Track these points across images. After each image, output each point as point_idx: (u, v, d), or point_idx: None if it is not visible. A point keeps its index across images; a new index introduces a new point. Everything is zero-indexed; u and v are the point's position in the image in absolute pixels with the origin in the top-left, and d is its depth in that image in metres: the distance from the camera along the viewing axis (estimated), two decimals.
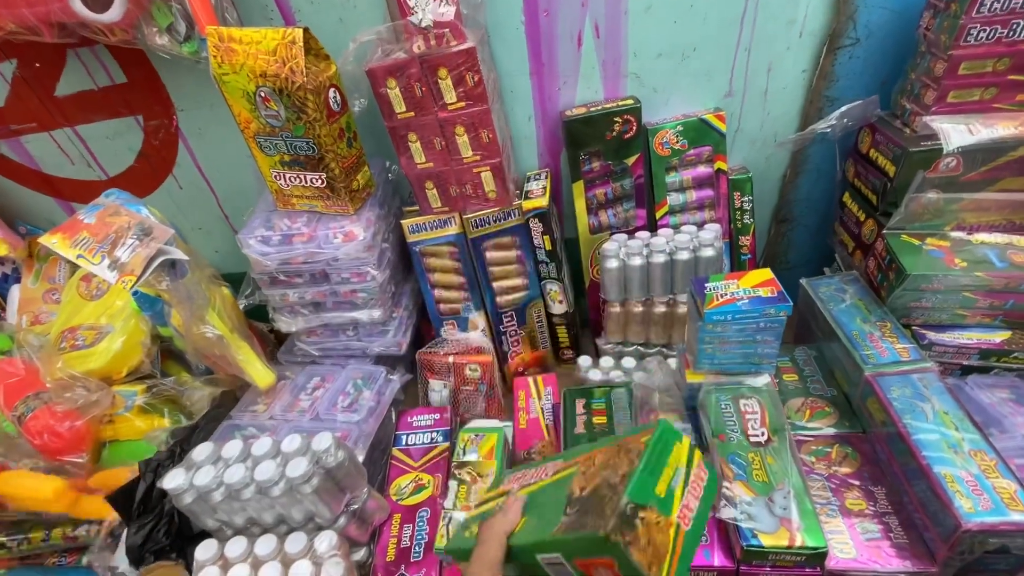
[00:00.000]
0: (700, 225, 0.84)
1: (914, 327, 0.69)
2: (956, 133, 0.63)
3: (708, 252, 0.78)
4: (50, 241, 0.61)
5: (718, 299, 0.62)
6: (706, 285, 0.64)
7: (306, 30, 0.59)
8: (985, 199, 0.66)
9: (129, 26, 0.62)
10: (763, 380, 0.63)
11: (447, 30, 0.65)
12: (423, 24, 0.63)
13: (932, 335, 0.68)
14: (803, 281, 0.77)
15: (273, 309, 0.81)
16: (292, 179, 0.71)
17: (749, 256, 0.86)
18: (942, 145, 0.63)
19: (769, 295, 0.61)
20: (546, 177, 0.85)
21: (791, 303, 0.59)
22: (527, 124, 0.83)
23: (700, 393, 0.66)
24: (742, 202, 0.83)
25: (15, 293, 0.98)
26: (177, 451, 0.67)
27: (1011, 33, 0.59)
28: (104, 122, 0.84)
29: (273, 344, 0.97)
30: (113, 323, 0.87)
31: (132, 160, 0.89)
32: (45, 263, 0.98)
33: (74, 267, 1.00)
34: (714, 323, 0.62)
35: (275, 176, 0.72)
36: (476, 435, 0.74)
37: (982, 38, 0.60)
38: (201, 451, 0.59)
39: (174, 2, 0.63)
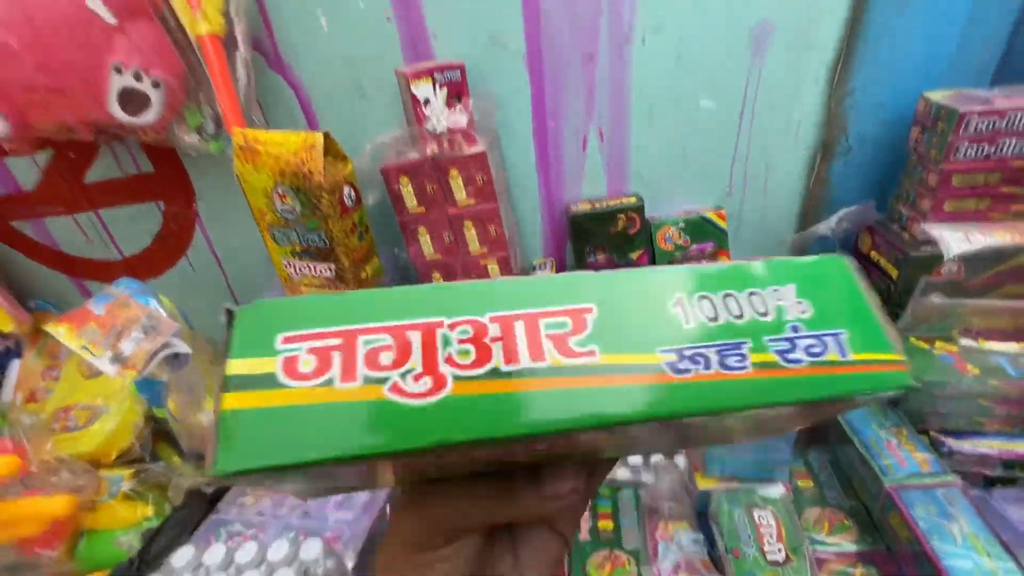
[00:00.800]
0: None
1: (932, 433, 0.67)
2: (955, 241, 0.64)
3: None
4: (56, 331, 0.61)
5: None
6: None
7: (326, 135, 0.63)
8: (990, 305, 0.66)
9: (162, 128, 0.65)
10: (778, 491, 0.61)
11: (459, 135, 0.68)
12: (438, 131, 0.67)
13: (952, 442, 0.65)
14: None
15: None
16: (302, 268, 0.72)
17: None
18: (942, 251, 0.65)
19: None
20: (551, 267, 0.87)
21: None
22: (533, 216, 0.86)
23: (711, 501, 0.63)
24: None
25: (14, 368, 0.97)
26: (146, 558, 0.62)
27: (998, 150, 0.62)
28: (127, 206, 0.87)
29: None
30: (108, 403, 0.85)
31: (149, 242, 0.91)
32: (50, 340, 0.99)
33: None
34: None
35: (286, 265, 0.73)
36: None
37: (971, 155, 0.62)
38: (181, 556, 0.55)
39: (205, 104, 0.68)
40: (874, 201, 0.73)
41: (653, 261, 0.83)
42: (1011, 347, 0.65)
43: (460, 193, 0.71)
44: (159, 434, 0.91)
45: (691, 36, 0.70)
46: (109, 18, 0.56)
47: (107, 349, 0.59)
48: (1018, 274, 0.66)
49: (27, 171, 0.84)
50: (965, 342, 0.67)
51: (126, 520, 0.80)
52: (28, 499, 0.76)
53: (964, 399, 0.63)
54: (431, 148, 0.68)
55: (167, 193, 0.86)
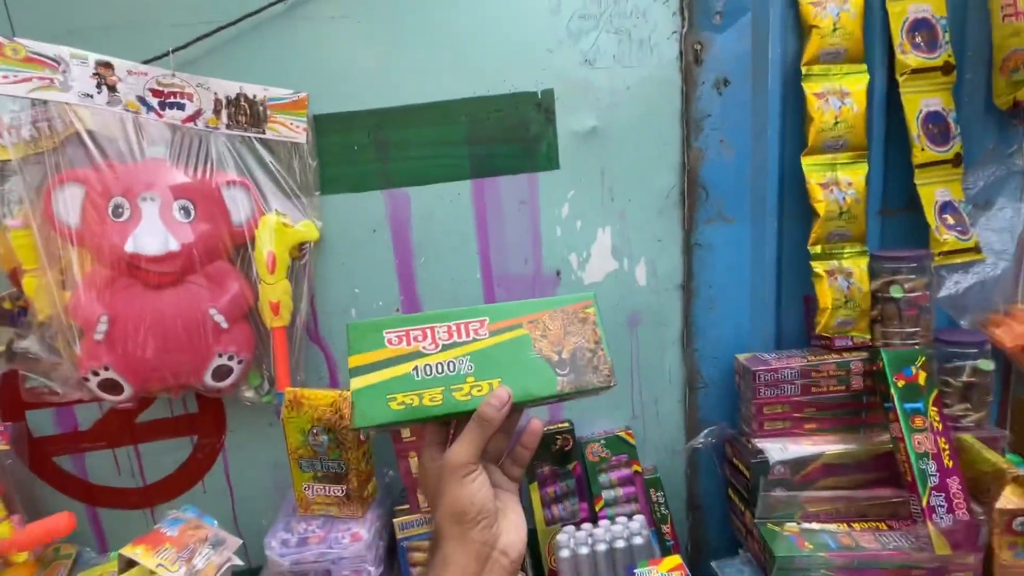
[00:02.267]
0: (630, 516, 1.08)
1: None
2: (774, 451, 0.97)
3: (638, 540, 1.00)
4: (133, 552, 0.76)
5: None
6: (635, 572, 0.85)
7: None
8: (813, 495, 0.96)
9: (231, 388, 0.93)
10: None
11: None
12: None
13: None
14: (714, 564, 0.99)
15: None
16: (319, 490, 0.94)
17: (672, 542, 1.08)
18: (768, 458, 0.97)
19: None
20: None
21: None
22: None
23: None
24: (657, 496, 1.09)
25: None
26: None
27: (782, 391, 0.99)
28: (163, 441, 1.08)
29: None
30: None
31: (172, 470, 1.09)
32: (47, 568, 1.05)
33: (72, 573, 1.07)
34: None
35: (305, 488, 0.94)
36: None
37: (768, 394, 1.00)
38: None
39: (265, 370, 0.97)
40: (727, 422, 1.08)
41: (585, 470, 1.10)
42: (832, 527, 0.94)
43: None
44: None
45: None
46: (224, 324, 0.88)
47: (182, 565, 0.74)
48: (822, 471, 0.98)
49: (87, 413, 1.05)
50: (805, 525, 0.95)
51: None
52: None
53: (810, 570, 0.88)
54: None
55: (204, 428, 1.08)
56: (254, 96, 0.94)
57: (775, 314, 1.12)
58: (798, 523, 0.95)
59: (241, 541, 0.83)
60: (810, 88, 0.98)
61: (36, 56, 0.82)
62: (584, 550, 1.00)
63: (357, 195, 1.02)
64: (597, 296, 0.59)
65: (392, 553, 1.04)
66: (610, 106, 1.03)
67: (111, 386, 0.84)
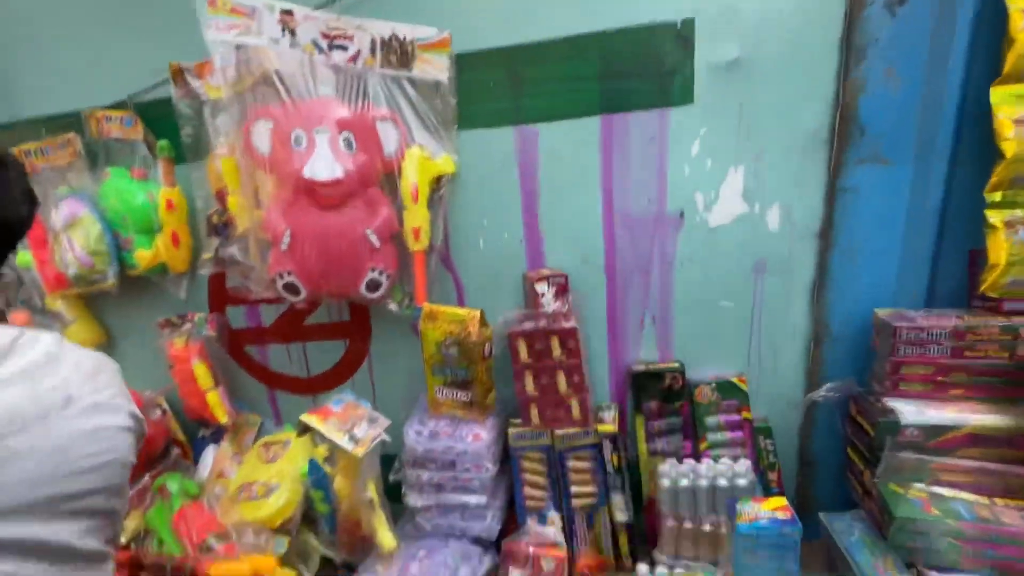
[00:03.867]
0: (735, 459, 1.09)
1: (918, 568, 0.86)
2: (908, 412, 0.91)
3: (742, 482, 1.02)
4: (311, 419, 0.96)
5: (746, 517, 0.85)
6: (737, 506, 0.88)
7: (482, 312, 1.02)
8: (949, 463, 0.90)
9: (380, 300, 1.08)
10: None
11: (560, 316, 1.07)
12: (547, 311, 1.06)
13: (934, 575, 0.84)
14: (822, 516, 0.97)
15: (407, 485, 1.09)
16: (447, 394, 1.08)
17: (777, 490, 1.08)
18: (899, 420, 0.91)
19: (784, 517, 0.84)
20: (615, 409, 1.17)
21: (800, 525, 0.81)
22: (603, 372, 1.19)
23: None
24: (766, 444, 1.09)
25: (210, 453, 1.33)
26: None
27: (927, 352, 0.92)
28: (325, 342, 1.29)
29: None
30: (281, 482, 1.17)
31: (330, 367, 1.31)
32: (240, 432, 1.35)
33: (258, 436, 1.36)
34: (744, 535, 0.84)
35: (437, 391, 1.09)
36: None
37: (910, 352, 0.92)
38: None
39: (406, 288, 1.11)
40: (854, 377, 1.02)
41: (693, 411, 1.12)
42: (969, 496, 0.87)
43: (557, 351, 1.07)
44: (305, 517, 1.20)
45: (713, 264, 1.08)
46: (376, 243, 1.02)
47: (347, 434, 0.93)
48: (965, 440, 0.90)
49: (270, 313, 1.29)
50: (934, 489, 0.89)
51: None
52: (225, 564, 1.04)
53: (935, 537, 0.84)
54: (542, 323, 1.06)
55: (355, 334, 1.27)
56: (404, 36, 1.02)
57: (929, 268, 1.01)
58: (927, 487, 0.90)
59: (390, 421, 0.99)
60: (1015, 2, 0.82)
61: (237, 6, 0.97)
62: (684, 482, 1.04)
63: (490, 131, 1.09)
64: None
65: (505, 458, 1.17)
66: (757, 34, 0.96)
67: (292, 288, 1.03)
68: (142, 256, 1.19)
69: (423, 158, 1.05)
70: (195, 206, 1.18)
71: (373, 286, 1.05)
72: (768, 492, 1.08)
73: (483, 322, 1.05)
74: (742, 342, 1.13)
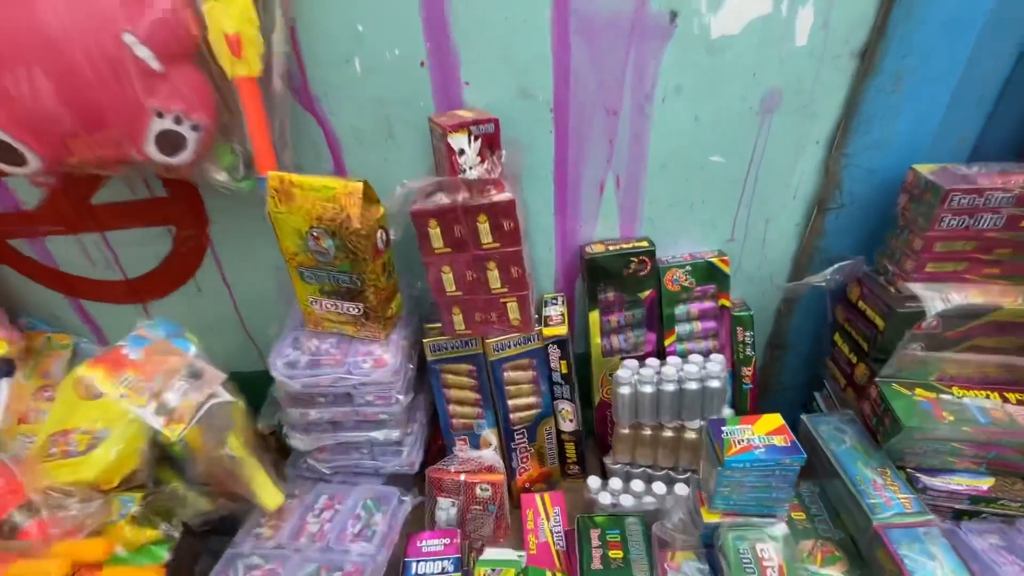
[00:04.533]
0: (705, 354, 0.90)
1: (908, 469, 0.74)
2: (936, 300, 0.71)
3: (715, 383, 0.83)
4: (92, 374, 0.60)
5: (735, 446, 0.66)
6: (723, 429, 0.68)
7: (365, 183, 0.64)
8: (964, 358, 0.74)
9: (192, 166, 0.65)
10: (780, 529, 0.66)
11: (489, 183, 0.71)
12: (469, 179, 0.69)
13: (925, 479, 0.73)
14: (804, 417, 0.82)
15: (289, 427, 0.80)
16: (328, 306, 0.74)
17: (751, 385, 0.91)
18: (924, 308, 0.72)
19: (783, 444, 0.65)
20: (563, 302, 0.90)
21: (804, 455, 0.64)
22: (547, 254, 0.89)
23: (718, 535, 0.68)
24: (744, 336, 0.89)
25: (4, 389, 0.94)
26: None
27: (976, 223, 0.69)
28: (135, 230, 0.86)
29: (274, 451, 0.94)
30: (111, 427, 0.83)
31: (155, 265, 0.90)
32: (42, 358, 0.96)
33: (72, 363, 0.98)
34: (733, 470, 0.65)
35: (312, 302, 0.74)
36: (493, 569, 0.73)
37: (952, 225, 0.69)
38: None
39: (237, 145, 0.68)
40: (864, 256, 0.80)
41: (660, 300, 0.88)
42: (981, 398, 0.73)
43: (486, 237, 0.74)
44: (162, 459, 0.90)
45: (708, 98, 0.74)
46: (156, 65, 0.56)
47: (151, 400, 0.58)
48: (986, 328, 0.73)
49: (29, 189, 0.81)
50: (941, 386, 0.75)
51: (132, 543, 0.79)
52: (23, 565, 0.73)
53: (940, 442, 0.71)
54: (462, 195, 0.71)
55: (180, 218, 0.85)
56: None
57: (991, 106, 0.74)
58: (934, 384, 0.75)
59: (224, 376, 0.66)
60: None
61: None
62: (648, 388, 0.84)
63: None
64: None
65: (423, 372, 0.90)
66: None
67: (7, 152, 0.57)
68: None
69: None
70: None
71: (171, 143, 0.61)
72: (740, 389, 0.92)
73: (370, 198, 0.67)
74: (729, 209, 0.85)
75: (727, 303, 0.88)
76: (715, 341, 0.91)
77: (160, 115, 0.59)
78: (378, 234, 0.68)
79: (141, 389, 0.59)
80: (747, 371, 0.91)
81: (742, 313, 0.88)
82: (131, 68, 0.55)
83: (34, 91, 0.54)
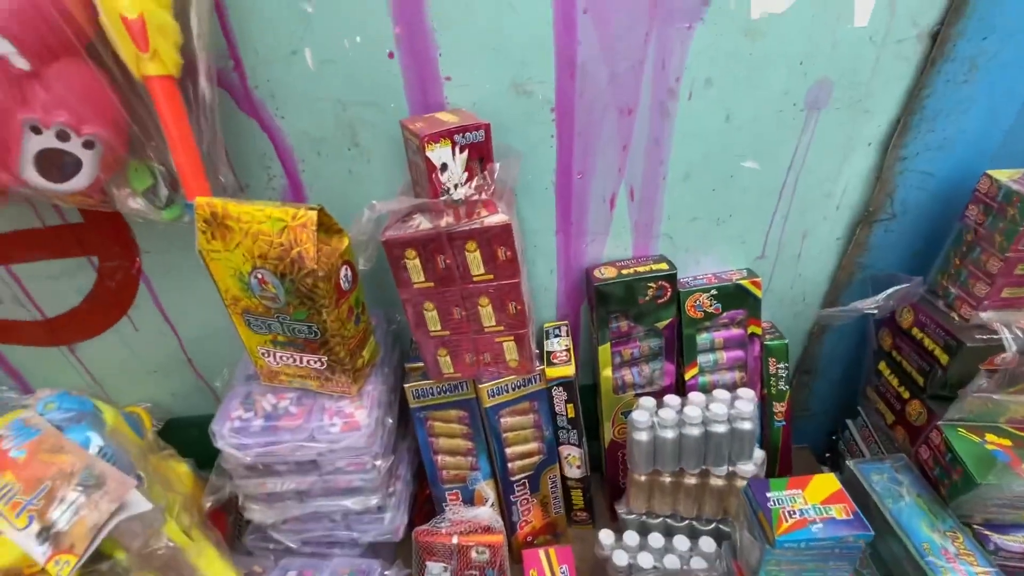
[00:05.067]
0: (731, 387, 0.78)
1: (975, 527, 0.64)
2: (1016, 332, 0.60)
3: (745, 425, 0.71)
4: None
5: (786, 519, 0.54)
6: (768, 496, 0.57)
7: (321, 210, 0.50)
8: None
9: (95, 192, 0.51)
10: None
11: (479, 202, 0.57)
12: (454, 198, 0.56)
13: (996, 538, 0.62)
14: (850, 464, 0.71)
15: (246, 497, 0.67)
16: (284, 359, 0.60)
17: (783, 423, 0.80)
18: (1000, 341, 0.60)
19: (844, 517, 0.54)
20: (567, 333, 0.78)
21: (871, 532, 0.52)
22: (548, 277, 0.76)
23: None
24: (777, 368, 0.77)
25: None
26: None
27: None
28: (48, 262, 0.70)
29: (230, 524, 0.80)
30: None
31: (78, 301, 0.74)
32: None
33: None
34: (785, 549, 0.54)
35: (263, 353, 0.60)
36: None
37: None
38: None
39: (156, 163, 0.53)
40: (922, 279, 0.68)
41: (680, 329, 0.76)
42: None
43: (477, 268, 0.60)
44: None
45: (743, 92, 0.61)
46: (20, 63, 0.41)
47: (32, 519, 0.44)
48: None
49: None
50: (1015, 430, 0.64)
51: None
52: None
53: (1018, 498, 0.60)
54: (445, 219, 0.57)
55: (102, 247, 0.70)
56: None
57: None
58: (1005, 431, 0.64)
59: (135, 483, 0.51)
60: None
61: None
62: (669, 434, 0.72)
63: None
64: None
65: (404, 417, 0.77)
66: None
67: None
68: None
69: None
70: None
71: (57, 165, 0.46)
72: (771, 426, 0.81)
73: (328, 228, 0.53)
74: (761, 223, 0.73)
75: (758, 331, 0.76)
76: (741, 372, 0.79)
77: (36, 130, 0.44)
78: (341, 272, 0.54)
79: (19, 504, 0.44)
80: (780, 407, 0.79)
81: (775, 342, 0.76)
82: None
83: None
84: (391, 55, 0.57)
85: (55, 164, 0.46)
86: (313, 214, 0.49)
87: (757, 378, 0.79)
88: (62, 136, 0.45)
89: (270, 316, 0.55)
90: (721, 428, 0.71)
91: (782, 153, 0.66)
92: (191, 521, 0.62)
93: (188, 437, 0.75)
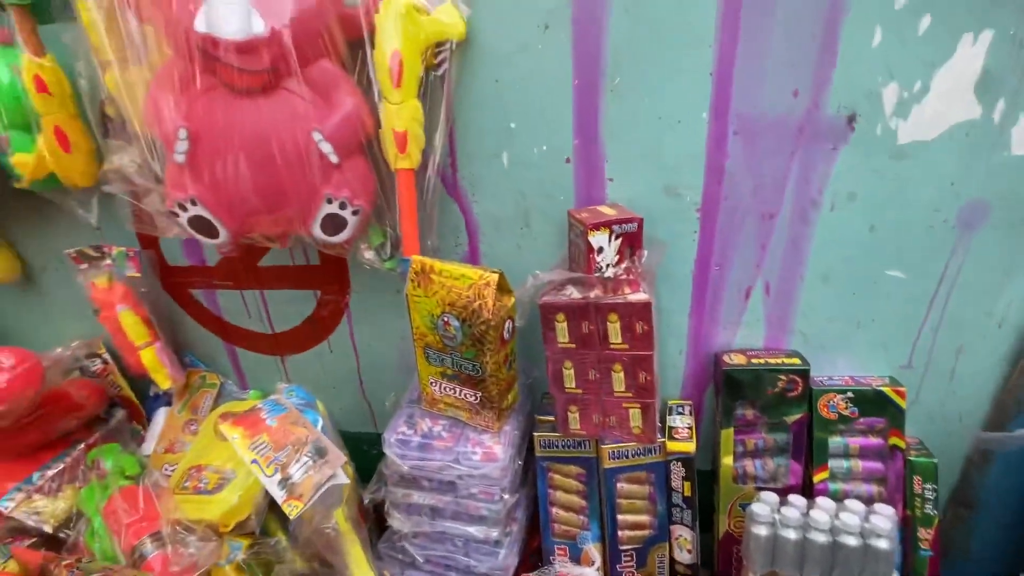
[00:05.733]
0: (867, 501, 0.74)
1: None
2: None
3: (881, 544, 0.67)
4: (232, 434, 0.64)
5: None
6: None
7: (500, 274, 0.64)
8: None
9: (348, 244, 0.70)
10: None
11: (624, 280, 0.67)
12: (605, 276, 0.66)
13: None
14: None
15: (392, 504, 0.79)
16: (447, 389, 0.73)
17: (931, 553, 0.73)
18: None
19: None
20: (690, 413, 0.81)
21: None
22: (677, 357, 0.82)
23: None
24: (923, 489, 0.72)
25: (160, 417, 1.05)
26: None
27: None
28: (288, 291, 0.94)
29: (372, 523, 0.93)
30: (237, 469, 0.88)
31: (298, 323, 0.97)
32: (195, 394, 1.07)
33: (217, 401, 1.08)
34: None
35: (432, 383, 0.74)
36: None
37: None
38: None
39: (388, 228, 0.72)
40: None
41: (811, 427, 0.75)
42: None
43: (615, 337, 0.69)
44: (272, 510, 0.93)
45: (888, 207, 0.65)
46: (334, 158, 0.62)
47: (277, 471, 0.61)
48: None
49: (213, 249, 0.94)
50: None
51: None
52: None
53: None
54: (595, 292, 0.68)
55: (326, 284, 0.92)
56: None
57: None
58: None
59: (345, 458, 0.66)
60: None
61: None
62: (792, 534, 0.70)
63: None
64: None
65: (527, 467, 0.85)
66: None
67: (203, 226, 0.66)
68: (22, 162, 0.82)
69: (412, 8, 0.61)
70: (81, 87, 0.78)
71: (334, 225, 0.67)
72: (915, 554, 0.74)
73: (503, 288, 0.67)
74: (907, 332, 0.72)
75: (901, 443, 0.73)
76: (880, 487, 0.75)
77: (330, 201, 0.64)
78: (506, 324, 0.67)
79: (270, 458, 0.61)
80: (926, 533, 0.73)
81: (921, 459, 0.72)
82: (315, 160, 0.62)
83: (237, 177, 0.62)
84: (568, 160, 0.72)
85: (333, 224, 0.66)
86: (496, 276, 0.63)
87: (899, 497, 0.74)
88: (343, 206, 0.65)
89: (445, 352, 0.69)
90: (852, 541, 0.68)
91: (931, 266, 0.67)
92: (348, 514, 0.76)
93: (348, 448, 0.92)
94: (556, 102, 0.69)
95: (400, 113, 0.64)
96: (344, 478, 0.64)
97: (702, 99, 0.65)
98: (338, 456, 0.64)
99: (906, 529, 0.74)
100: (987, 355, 0.71)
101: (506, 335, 0.67)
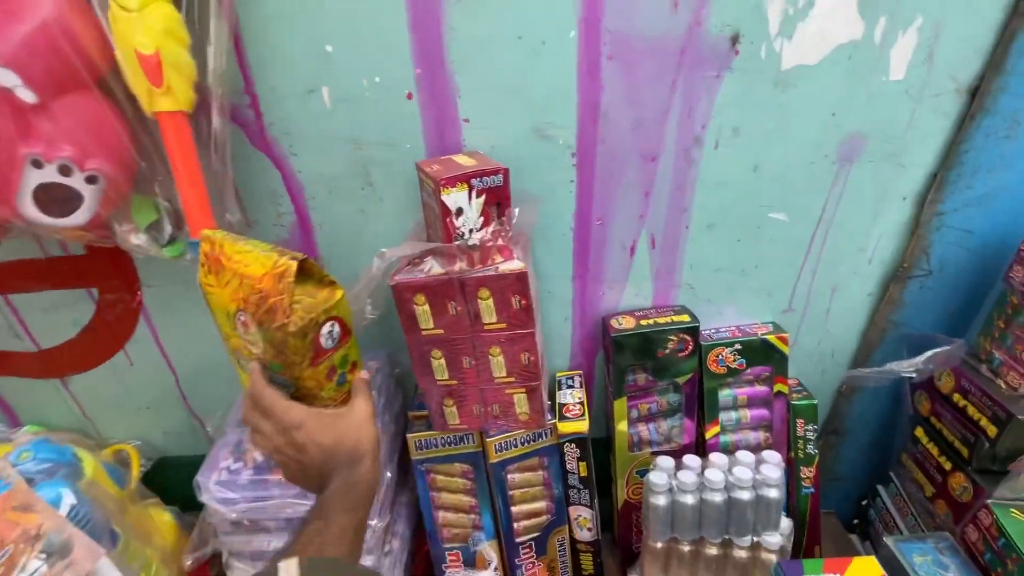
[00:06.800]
0: (755, 448, 0.73)
1: None
2: None
3: (772, 492, 0.66)
4: None
5: None
6: None
7: (303, 262, 0.46)
8: None
9: (95, 227, 0.48)
10: None
11: (493, 248, 0.55)
12: (469, 244, 0.53)
13: None
14: (889, 541, 0.65)
15: (230, 554, 0.62)
16: None
17: (812, 490, 0.74)
18: None
19: None
20: (580, 384, 0.73)
21: None
22: (563, 325, 0.73)
23: None
24: (805, 430, 0.72)
25: None
26: None
27: None
28: (46, 292, 0.68)
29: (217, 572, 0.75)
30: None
31: (74, 334, 0.72)
32: None
33: None
34: None
35: None
36: None
37: None
38: None
39: (162, 199, 0.51)
40: (964, 342, 0.64)
41: (701, 384, 0.71)
42: None
43: (489, 316, 0.57)
44: None
45: (772, 143, 0.59)
46: (26, 95, 0.39)
47: None
48: None
49: None
50: None
51: None
52: None
53: None
54: (459, 264, 0.54)
55: (103, 279, 0.67)
56: None
57: None
58: None
59: (104, 553, 0.47)
60: None
61: None
62: (689, 499, 0.66)
63: None
64: None
65: (404, 469, 0.72)
66: None
67: None
68: None
69: None
70: None
71: (56, 201, 0.44)
72: (798, 493, 0.75)
73: (314, 279, 0.49)
74: (788, 276, 0.69)
75: (785, 389, 0.71)
76: (766, 433, 0.74)
77: (38, 164, 0.42)
78: (324, 329, 0.49)
79: None
80: (808, 472, 0.74)
81: (803, 402, 0.72)
82: None
83: None
84: (409, 96, 0.55)
85: (55, 199, 0.44)
86: (293, 265, 0.44)
87: (783, 440, 0.74)
88: (64, 171, 0.43)
89: (253, 360, 0.51)
90: (746, 495, 0.66)
91: (812, 205, 0.63)
92: None
93: (179, 477, 0.70)
94: (385, 14, 0.51)
95: (143, 22, 0.42)
96: (112, 574, 0.45)
97: (568, 12, 0.51)
98: (91, 552, 0.45)
99: (790, 469, 0.74)
100: (858, 291, 0.70)
101: (325, 343, 0.50)
